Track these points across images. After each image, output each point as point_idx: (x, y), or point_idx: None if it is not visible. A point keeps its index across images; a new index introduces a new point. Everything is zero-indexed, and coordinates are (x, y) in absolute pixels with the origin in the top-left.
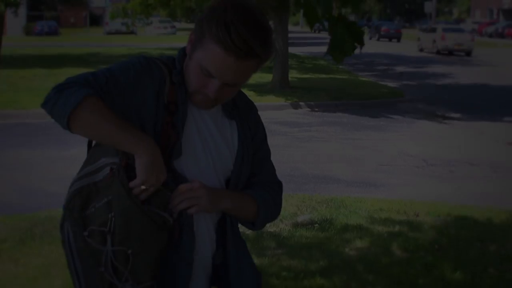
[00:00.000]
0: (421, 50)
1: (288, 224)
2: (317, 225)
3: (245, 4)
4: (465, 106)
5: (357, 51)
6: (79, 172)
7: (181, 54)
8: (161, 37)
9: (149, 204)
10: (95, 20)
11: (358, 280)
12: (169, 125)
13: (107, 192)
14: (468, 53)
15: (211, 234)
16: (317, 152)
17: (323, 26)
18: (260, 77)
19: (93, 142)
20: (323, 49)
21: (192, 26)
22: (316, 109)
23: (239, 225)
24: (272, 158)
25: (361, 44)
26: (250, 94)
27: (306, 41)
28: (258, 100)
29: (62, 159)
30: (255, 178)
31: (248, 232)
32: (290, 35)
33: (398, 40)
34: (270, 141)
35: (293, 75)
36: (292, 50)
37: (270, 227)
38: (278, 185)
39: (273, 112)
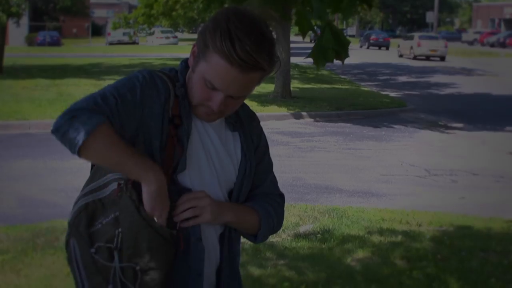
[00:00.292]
0: (401, 56)
1: (290, 235)
2: (319, 235)
3: (248, 15)
4: (467, 115)
5: (338, 62)
6: (83, 188)
7: (183, 66)
8: (163, 47)
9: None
10: (97, 31)
11: None
12: (174, 139)
13: (114, 207)
14: (442, 58)
15: (216, 246)
16: (319, 162)
17: (315, 33)
18: (262, 87)
19: None
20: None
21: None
22: (318, 119)
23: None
24: (274, 168)
25: (345, 53)
26: (252, 104)
27: (308, 51)
28: (260, 110)
29: (64, 170)
30: (257, 190)
31: (249, 242)
32: (292, 45)
33: (387, 48)
34: (272, 151)
35: (295, 85)
36: (294, 60)
37: (271, 237)
38: (280, 197)
39: (275, 122)
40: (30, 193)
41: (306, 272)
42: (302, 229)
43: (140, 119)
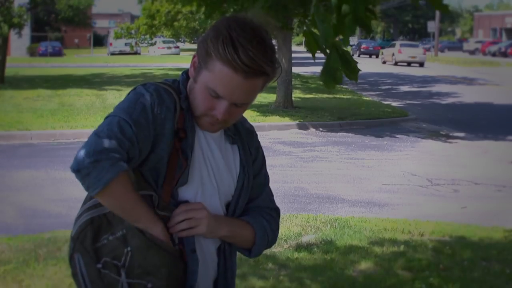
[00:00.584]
0: (384, 62)
1: (292, 245)
2: (321, 245)
3: (249, 23)
4: (469, 125)
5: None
6: (85, 202)
7: (185, 78)
8: (165, 58)
9: None
10: (99, 41)
11: None
12: (179, 152)
13: (121, 225)
14: (421, 64)
15: (214, 258)
16: (321, 172)
17: (324, 53)
18: (263, 97)
19: None
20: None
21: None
22: (320, 129)
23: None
24: (276, 178)
25: (354, 74)
26: (253, 114)
27: (309, 61)
28: (262, 120)
29: (66, 180)
30: (252, 203)
31: None
32: (293, 55)
33: (377, 56)
34: (274, 161)
35: (296, 95)
36: (295, 70)
37: (273, 248)
38: (276, 212)
39: (277, 132)
40: (32, 203)
41: (308, 283)
42: (304, 239)
43: (153, 138)
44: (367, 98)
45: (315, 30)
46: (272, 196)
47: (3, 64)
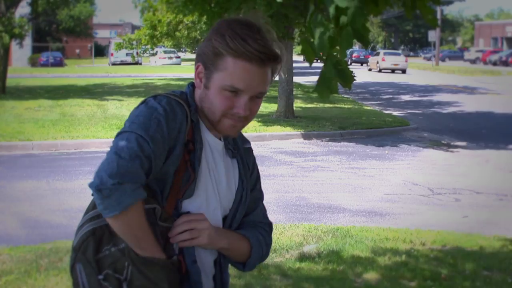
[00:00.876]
0: (370, 70)
1: (294, 255)
2: (323, 255)
3: (245, 20)
4: (470, 134)
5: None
6: (87, 212)
7: (191, 90)
8: (166, 68)
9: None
10: (100, 51)
11: None
12: (187, 163)
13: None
14: (404, 71)
15: (211, 270)
16: (322, 181)
17: (321, 60)
18: (265, 107)
19: None
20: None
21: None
22: (321, 139)
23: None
24: (277, 187)
25: (349, 83)
26: (255, 124)
27: (310, 70)
28: (263, 130)
29: (67, 191)
30: (247, 218)
31: None
32: (294, 64)
33: (367, 64)
34: (276, 170)
35: (298, 104)
36: (296, 79)
37: (275, 257)
38: (269, 227)
39: (278, 142)
40: (34, 214)
41: None
42: (305, 249)
43: (166, 151)
44: (368, 108)
45: (313, 40)
46: (266, 211)
47: (5, 75)
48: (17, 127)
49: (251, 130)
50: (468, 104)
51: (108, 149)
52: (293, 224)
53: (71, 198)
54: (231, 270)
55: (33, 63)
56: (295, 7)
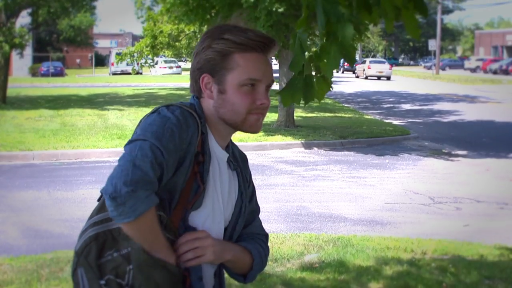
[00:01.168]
0: (357, 77)
1: (295, 264)
2: (324, 264)
3: (228, 23)
4: (471, 143)
5: (343, 91)
6: (90, 218)
7: (198, 101)
8: (167, 77)
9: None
10: (101, 61)
11: None
12: (197, 175)
13: (126, 242)
14: (388, 78)
15: (212, 282)
16: (323, 190)
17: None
18: (265, 116)
19: None
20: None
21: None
22: (322, 148)
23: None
24: (278, 197)
25: (309, 99)
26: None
27: None
28: (264, 140)
29: (68, 200)
30: (246, 230)
31: None
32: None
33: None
34: (276, 180)
35: (298, 114)
36: None
37: (276, 267)
38: (266, 238)
39: (279, 151)
40: (34, 223)
41: None
42: (307, 258)
43: (177, 161)
44: (369, 117)
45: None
46: (261, 222)
47: (5, 85)
48: (18, 137)
49: (251, 140)
50: (469, 113)
51: (111, 157)
52: (294, 233)
53: (71, 208)
54: (234, 281)
55: (34, 73)
56: (295, 17)
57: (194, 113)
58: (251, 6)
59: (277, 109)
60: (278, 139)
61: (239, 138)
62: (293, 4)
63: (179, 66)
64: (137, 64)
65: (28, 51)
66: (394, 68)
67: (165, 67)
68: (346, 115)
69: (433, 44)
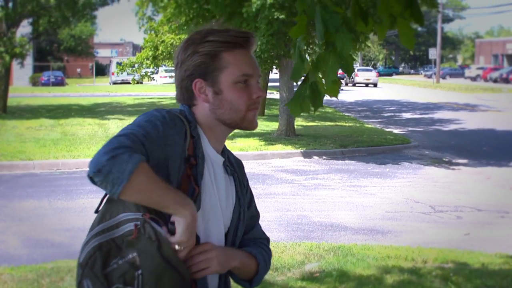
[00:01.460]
0: (346, 84)
1: (296, 273)
2: (325, 273)
3: (206, 26)
4: (471, 151)
5: (342, 100)
6: (92, 228)
7: (188, 108)
8: (167, 87)
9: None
10: (101, 70)
11: None
12: (190, 178)
13: (131, 249)
14: (375, 85)
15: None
16: (323, 199)
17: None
18: (266, 125)
19: (105, 199)
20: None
21: None
22: (323, 157)
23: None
24: (279, 206)
25: (317, 106)
26: (256, 142)
27: None
28: (264, 149)
29: (69, 210)
30: (248, 235)
31: None
32: (295, 83)
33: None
34: (277, 189)
35: (299, 123)
36: None
37: (277, 276)
38: (267, 241)
39: (279, 160)
40: (35, 233)
41: None
42: (307, 267)
43: (160, 156)
44: (369, 126)
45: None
46: (261, 226)
47: (6, 94)
48: (18, 147)
49: (252, 149)
50: (469, 121)
51: None
52: (294, 242)
53: (72, 217)
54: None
55: (34, 82)
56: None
57: (182, 116)
58: (252, 15)
59: (278, 118)
60: (279, 148)
61: (239, 148)
62: (294, 12)
63: None
64: (137, 74)
65: (29, 61)
66: (395, 77)
67: (166, 76)
68: (347, 124)
69: (433, 53)
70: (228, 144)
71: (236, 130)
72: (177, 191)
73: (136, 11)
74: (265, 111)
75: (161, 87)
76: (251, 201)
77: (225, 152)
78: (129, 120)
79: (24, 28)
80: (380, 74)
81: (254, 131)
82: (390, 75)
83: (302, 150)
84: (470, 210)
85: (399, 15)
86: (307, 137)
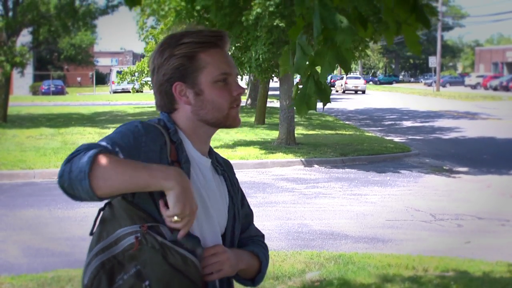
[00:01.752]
0: (337, 91)
1: (297, 282)
2: (326, 282)
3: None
4: (472, 159)
5: (319, 105)
6: (91, 249)
7: (167, 116)
8: None
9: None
10: (101, 79)
11: None
12: None
13: (134, 262)
14: (363, 92)
15: None
16: (324, 208)
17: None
18: (266, 134)
19: (99, 218)
20: (329, 105)
21: None
22: (323, 165)
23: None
24: (279, 214)
25: (326, 101)
26: (256, 151)
27: None
28: (264, 157)
29: (69, 219)
30: (245, 234)
31: None
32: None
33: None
34: (277, 197)
35: (299, 131)
36: None
37: (278, 285)
38: (263, 238)
39: (279, 169)
40: (35, 242)
41: None
42: (308, 276)
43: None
44: (370, 134)
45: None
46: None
47: (6, 103)
48: (19, 156)
49: (252, 157)
50: (470, 129)
51: None
52: (295, 251)
53: (73, 226)
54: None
55: (35, 91)
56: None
57: (158, 125)
58: (252, 23)
59: (278, 126)
60: (279, 156)
61: (240, 156)
62: (294, 20)
63: None
64: (138, 83)
65: (29, 70)
66: (395, 85)
67: None
68: (347, 133)
69: (433, 61)
70: (228, 152)
71: (236, 139)
72: (154, 166)
73: (137, 20)
74: (266, 119)
75: None
76: (243, 200)
77: (212, 154)
78: None
79: (24, 37)
80: (381, 83)
81: (255, 139)
82: (390, 83)
83: (302, 159)
84: (471, 218)
85: (404, 21)
86: (308, 146)
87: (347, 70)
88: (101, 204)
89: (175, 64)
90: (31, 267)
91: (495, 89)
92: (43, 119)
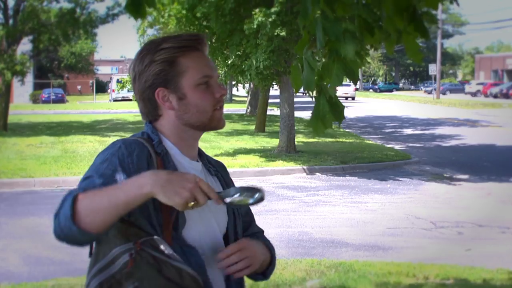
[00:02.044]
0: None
1: None
2: None
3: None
4: (472, 167)
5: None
6: (89, 271)
7: (151, 126)
8: None
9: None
10: (102, 88)
11: None
12: None
13: (131, 279)
14: (353, 98)
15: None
16: (324, 216)
17: (309, 94)
18: (266, 142)
19: (94, 243)
20: None
21: None
22: (323, 173)
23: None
24: (280, 222)
25: (340, 119)
26: (257, 159)
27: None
28: (265, 165)
29: None
30: (247, 231)
31: None
32: (296, 99)
33: None
34: (278, 205)
35: (299, 139)
36: (298, 114)
37: None
38: (263, 233)
39: (280, 176)
40: (35, 250)
41: None
42: (309, 284)
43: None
44: (370, 142)
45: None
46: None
47: (6, 111)
48: (19, 164)
49: (252, 165)
50: (470, 137)
51: None
52: (295, 259)
53: None
54: None
55: (35, 99)
56: (296, 42)
57: (141, 139)
58: (253, 32)
59: (278, 134)
60: (279, 164)
61: (240, 164)
62: (294, 29)
63: None
64: None
65: (29, 78)
66: (395, 92)
67: None
68: (347, 140)
69: (433, 69)
70: (229, 160)
71: (236, 147)
72: (127, 181)
73: (137, 28)
74: (266, 127)
75: None
76: None
77: (203, 156)
78: None
79: (25, 46)
80: (381, 90)
81: (255, 147)
82: (391, 91)
83: (303, 167)
84: (471, 226)
85: (403, 30)
86: (308, 154)
87: (355, 80)
88: None
89: (156, 70)
90: (32, 276)
91: (495, 96)
92: (43, 127)
